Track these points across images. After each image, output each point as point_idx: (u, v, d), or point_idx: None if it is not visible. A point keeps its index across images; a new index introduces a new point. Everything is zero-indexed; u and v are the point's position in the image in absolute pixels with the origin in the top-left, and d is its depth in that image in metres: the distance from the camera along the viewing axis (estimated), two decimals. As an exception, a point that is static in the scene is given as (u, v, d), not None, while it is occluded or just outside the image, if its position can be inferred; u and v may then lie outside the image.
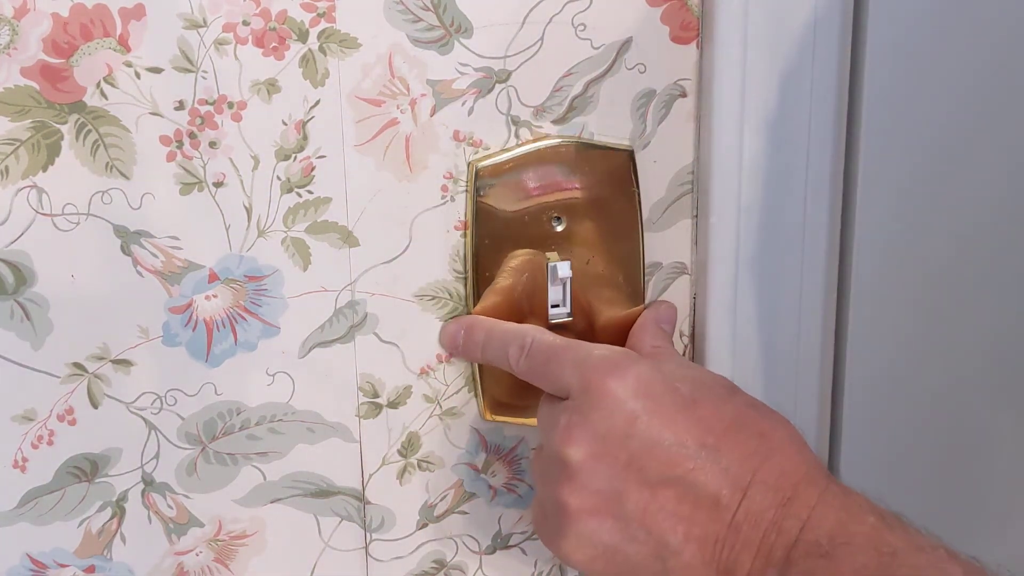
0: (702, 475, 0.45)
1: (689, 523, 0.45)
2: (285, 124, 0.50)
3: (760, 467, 0.45)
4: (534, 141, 0.54)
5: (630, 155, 0.55)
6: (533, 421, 0.58)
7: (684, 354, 0.60)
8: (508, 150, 0.53)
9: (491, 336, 0.53)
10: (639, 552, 0.46)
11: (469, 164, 0.53)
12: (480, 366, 0.56)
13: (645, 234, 0.57)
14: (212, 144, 0.49)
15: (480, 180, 0.53)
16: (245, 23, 0.48)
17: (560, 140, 0.54)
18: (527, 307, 0.56)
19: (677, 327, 0.59)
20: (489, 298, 0.55)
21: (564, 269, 0.55)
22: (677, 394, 0.47)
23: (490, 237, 0.54)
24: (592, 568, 0.48)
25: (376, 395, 0.56)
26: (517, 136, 0.54)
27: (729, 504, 0.45)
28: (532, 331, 0.52)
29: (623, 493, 0.46)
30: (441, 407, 0.57)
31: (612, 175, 0.55)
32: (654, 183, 0.56)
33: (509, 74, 0.52)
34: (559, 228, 0.55)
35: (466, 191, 0.53)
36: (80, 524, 0.53)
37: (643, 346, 0.55)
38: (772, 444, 0.46)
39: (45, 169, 0.47)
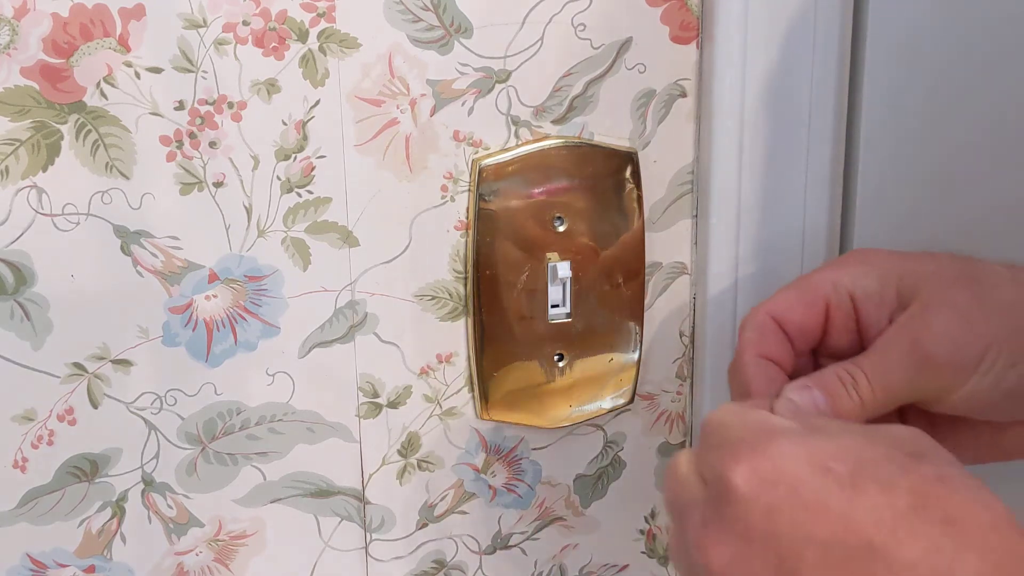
0: None
1: None
2: (285, 124, 0.50)
3: (949, 569, 0.35)
4: (537, 141, 0.54)
5: (633, 157, 0.55)
6: (532, 421, 0.58)
7: (683, 355, 0.60)
8: (511, 149, 0.53)
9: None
10: None
11: (472, 162, 0.53)
12: (479, 365, 0.56)
13: (646, 235, 0.57)
14: (212, 144, 0.49)
15: (483, 178, 0.53)
16: (245, 23, 0.48)
17: (564, 140, 0.54)
18: (527, 308, 0.56)
19: (677, 327, 0.59)
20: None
21: (564, 269, 0.55)
22: (829, 476, 0.37)
23: (491, 236, 0.54)
24: None
25: (376, 395, 0.56)
26: (517, 136, 0.54)
27: None
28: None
29: None
30: (441, 407, 0.57)
31: (615, 177, 0.55)
32: (654, 183, 0.56)
33: (509, 74, 0.52)
34: (560, 228, 0.55)
35: (468, 191, 0.53)
36: (80, 524, 0.53)
37: None
38: (963, 534, 0.35)
39: (45, 169, 0.47)
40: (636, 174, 0.55)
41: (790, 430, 0.40)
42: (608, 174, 0.55)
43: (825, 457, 0.38)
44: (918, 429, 0.40)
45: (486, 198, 0.53)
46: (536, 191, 0.54)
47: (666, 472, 0.44)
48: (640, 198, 0.56)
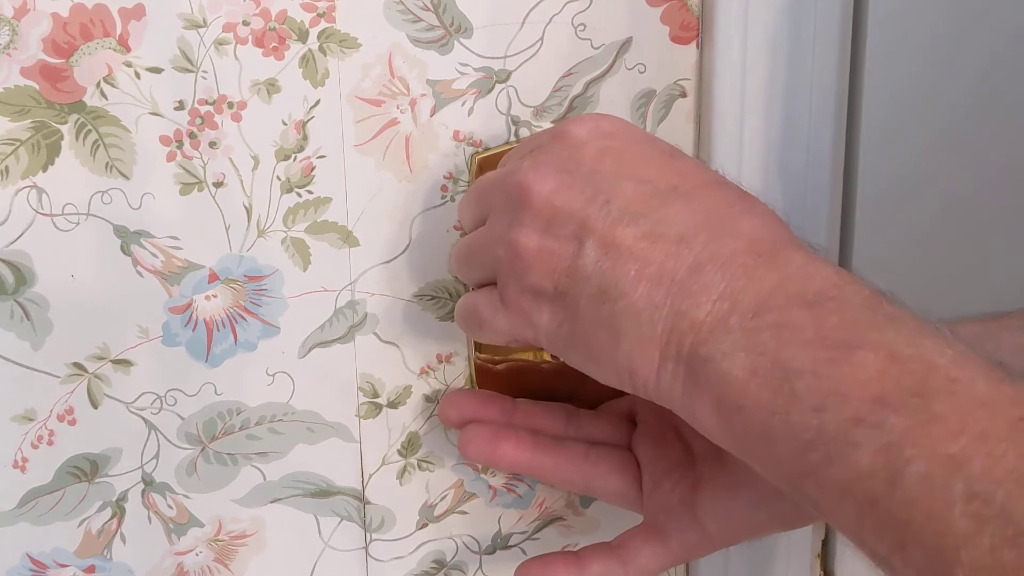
0: (668, 212, 0.41)
1: (644, 262, 0.40)
2: (285, 124, 0.50)
3: (737, 220, 0.41)
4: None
5: None
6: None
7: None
8: (511, 144, 0.53)
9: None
10: (585, 294, 0.41)
11: (471, 157, 0.53)
12: (477, 367, 0.56)
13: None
14: (212, 144, 0.49)
15: (482, 172, 0.53)
16: (245, 23, 0.48)
17: None
18: None
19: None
20: None
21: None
22: (657, 144, 0.45)
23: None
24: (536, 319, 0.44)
25: (376, 395, 0.56)
26: (517, 136, 0.54)
27: (693, 243, 0.40)
28: None
29: (583, 230, 0.41)
30: (441, 407, 0.57)
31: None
32: (654, 183, 0.56)
33: (509, 74, 0.52)
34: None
35: (467, 190, 0.53)
36: (80, 524, 0.53)
37: None
38: (754, 208, 0.42)
39: (45, 169, 0.48)
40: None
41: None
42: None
43: (656, 139, 0.46)
44: None
45: None
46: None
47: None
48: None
